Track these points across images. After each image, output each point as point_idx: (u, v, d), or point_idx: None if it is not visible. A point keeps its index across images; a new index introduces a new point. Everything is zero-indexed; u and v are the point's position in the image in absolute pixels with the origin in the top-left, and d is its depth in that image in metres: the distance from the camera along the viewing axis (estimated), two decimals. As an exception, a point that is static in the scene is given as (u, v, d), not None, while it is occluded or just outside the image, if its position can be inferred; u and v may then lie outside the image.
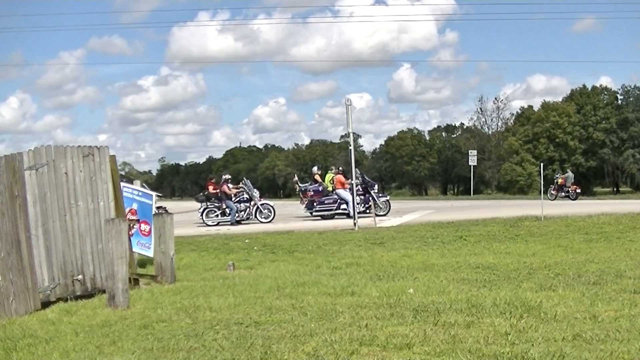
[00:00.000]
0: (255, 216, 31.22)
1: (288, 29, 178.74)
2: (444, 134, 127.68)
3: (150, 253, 15.55)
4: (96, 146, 12.90)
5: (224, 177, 32.29)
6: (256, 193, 31.94)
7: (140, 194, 16.46)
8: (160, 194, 28.30)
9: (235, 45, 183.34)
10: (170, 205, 38.15)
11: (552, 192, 43.81)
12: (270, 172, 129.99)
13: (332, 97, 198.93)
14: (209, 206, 31.42)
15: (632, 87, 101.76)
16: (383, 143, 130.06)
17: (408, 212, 33.80)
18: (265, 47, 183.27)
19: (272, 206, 32.08)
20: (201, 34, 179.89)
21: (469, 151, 66.94)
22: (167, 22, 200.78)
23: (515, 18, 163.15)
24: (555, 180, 44.92)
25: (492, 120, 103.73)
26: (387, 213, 31.19)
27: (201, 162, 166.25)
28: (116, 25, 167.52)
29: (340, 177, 31.43)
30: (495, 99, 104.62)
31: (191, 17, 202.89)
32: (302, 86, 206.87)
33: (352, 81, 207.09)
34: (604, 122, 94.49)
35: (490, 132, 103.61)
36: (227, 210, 30.96)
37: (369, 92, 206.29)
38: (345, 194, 30.41)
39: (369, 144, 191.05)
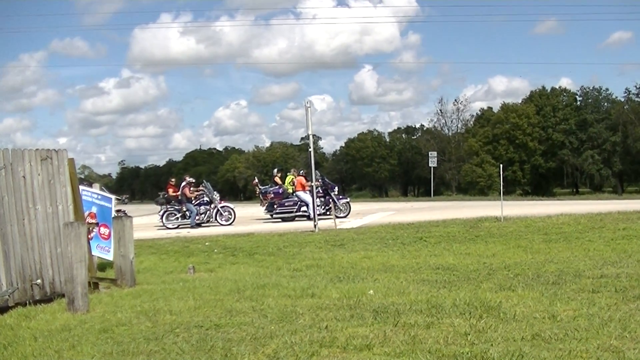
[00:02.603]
0: (216, 219, 31.16)
1: (250, 31, 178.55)
2: (404, 135, 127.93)
3: (110, 256, 15.50)
4: (54, 149, 12.83)
5: (188, 179, 32.16)
6: (216, 195, 31.85)
7: (99, 197, 16.38)
8: (119, 197, 28.14)
9: (198, 48, 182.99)
10: (129, 208, 37.92)
11: None
12: (230, 175, 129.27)
13: (293, 99, 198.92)
14: (169, 209, 31.32)
15: (591, 88, 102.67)
16: (343, 145, 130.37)
17: (368, 213, 33.93)
18: (227, 49, 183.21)
19: (232, 208, 31.98)
20: (163, 36, 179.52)
21: (429, 153, 67.15)
22: (130, 24, 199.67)
23: (477, 20, 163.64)
24: None
25: (452, 121, 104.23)
26: (347, 215, 31.30)
27: (161, 165, 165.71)
28: (78, 27, 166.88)
29: (301, 179, 31.45)
30: (455, 100, 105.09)
31: (153, 19, 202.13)
32: (264, 88, 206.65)
33: (314, 83, 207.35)
34: (563, 123, 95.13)
35: (450, 134, 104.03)
36: (187, 213, 30.90)
37: (331, 94, 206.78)
38: (306, 196, 30.45)
39: (330, 146, 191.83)
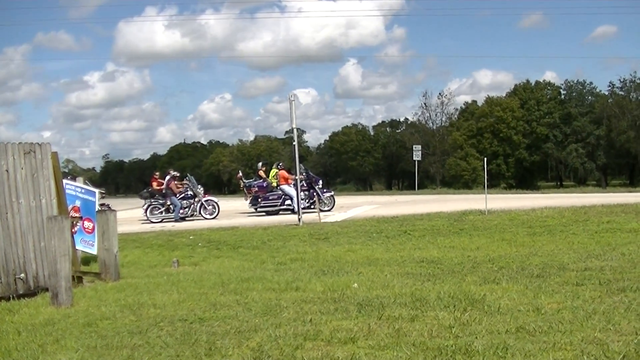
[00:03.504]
0: (200, 212, 31.13)
1: (235, 25, 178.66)
2: (388, 129, 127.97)
3: (93, 250, 15.44)
4: (38, 143, 12.79)
5: (172, 173, 32.02)
6: (200, 189, 31.82)
7: (83, 191, 16.32)
8: (104, 191, 28.02)
9: (183, 41, 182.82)
10: (113, 202, 37.82)
11: None
12: (214, 168, 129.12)
13: (278, 92, 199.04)
14: (153, 203, 31.22)
15: (575, 82, 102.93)
16: (328, 138, 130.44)
17: (353, 207, 33.94)
18: (212, 43, 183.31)
19: (216, 202, 31.99)
20: (148, 30, 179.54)
21: (414, 146, 66.96)
22: (114, 18, 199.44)
23: (462, 14, 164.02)
24: None
25: (436, 115, 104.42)
26: (331, 208, 31.32)
27: (145, 159, 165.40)
28: (63, 20, 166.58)
29: (284, 173, 31.43)
30: (440, 94, 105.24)
31: (138, 13, 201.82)
32: (249, 82, 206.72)
33: (299, 77, 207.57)
34: (547, 116, 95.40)
35: (434, 127, 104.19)
36: (171, 207, 30.80)
37: (315, 88, 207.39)
38: (290, 189, 30.45)
39: (315, 139, 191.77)
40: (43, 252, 12.28)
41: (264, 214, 31.36)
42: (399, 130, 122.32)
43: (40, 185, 12.61)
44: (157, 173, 34.16)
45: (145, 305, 9.89)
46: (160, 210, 31.02)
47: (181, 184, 31.89)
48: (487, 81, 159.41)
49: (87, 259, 16.65)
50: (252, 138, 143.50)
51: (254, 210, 32.25)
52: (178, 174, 32.55)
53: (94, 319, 9.07)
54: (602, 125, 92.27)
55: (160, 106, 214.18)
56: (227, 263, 16.57)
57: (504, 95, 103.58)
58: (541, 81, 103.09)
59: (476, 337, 7.07)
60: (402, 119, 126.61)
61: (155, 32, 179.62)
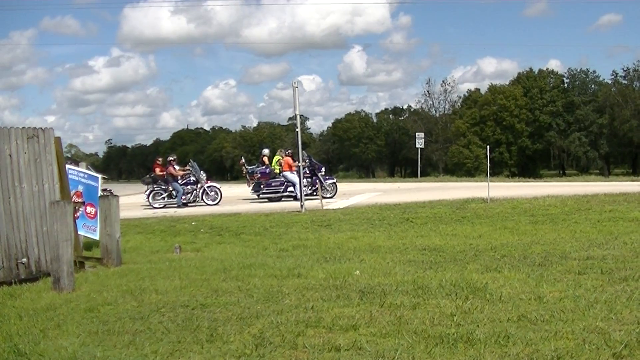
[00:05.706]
0: (202, 198, 31.08)
1: (241, 11, 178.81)
2: (391, 116, 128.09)
3: (96, 236, 15.46)
4: (41, 128, 12.78)
5: (169, 158, 31.95)
6: (203, 175, 31.72)
7: (85, 176, 16.32)
8: (106, 176, 27.97)
9: (188, 27, 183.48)
10: (116, 188, 37.73)
11: None
12: (217, 155, 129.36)
13: (282, 79, 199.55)
14: (156, 188, 31.14)
15: (578, 70, 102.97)
16: (331, 125, 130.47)
17: (355, 194, 33.89)
18: (217, 29, 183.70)
19: (218, 188, 31.92)
20: (154, 15, 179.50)
21: (416, 134, 66.94)
22: (120, 3, 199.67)
23: (467, 1, 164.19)
24: None
25: (439, 103, 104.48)
26: (334, 195, 31.31)
27: (148, 145, 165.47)
28: (69, 5, 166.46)
29: (288, 160, 31.40)
30: (443, 81, 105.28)
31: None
32: (253, 68, 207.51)
33: (304, 63, 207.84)
34: (550, 105, 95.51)
35: (437, 115, 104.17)
36: (174, 193, 30.72)
37: (320, 75, 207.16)
38: (292, 176, 30.41)
39: (318, 126, 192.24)
40: (45, 237, 12.29)
41: (266, 200, 31.38)
42: (402, 118, 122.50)
43: (43, 170, 12.60)
44: (160, 159, 33.98)
45: (147, 291, 9.89)
46: (162, 196, 30.95)
47: (183, 169, 31.83)
48: (491, 69, 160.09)
49: (89, 244, 16.62)
50: (255, 124, 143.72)
51: (256, 197, 32.30)
52: (172, 158, 32.33)
53: (96, 304, 9.08)
54: (604, 114, 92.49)
55: (165, 92, 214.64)
56: (229, 249, 16.57)
57: (507, 83, 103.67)
58: (544, 69, 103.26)
59: (478, 326, 7.07)
60: (405, 107, 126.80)
61: (160, 18, 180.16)
